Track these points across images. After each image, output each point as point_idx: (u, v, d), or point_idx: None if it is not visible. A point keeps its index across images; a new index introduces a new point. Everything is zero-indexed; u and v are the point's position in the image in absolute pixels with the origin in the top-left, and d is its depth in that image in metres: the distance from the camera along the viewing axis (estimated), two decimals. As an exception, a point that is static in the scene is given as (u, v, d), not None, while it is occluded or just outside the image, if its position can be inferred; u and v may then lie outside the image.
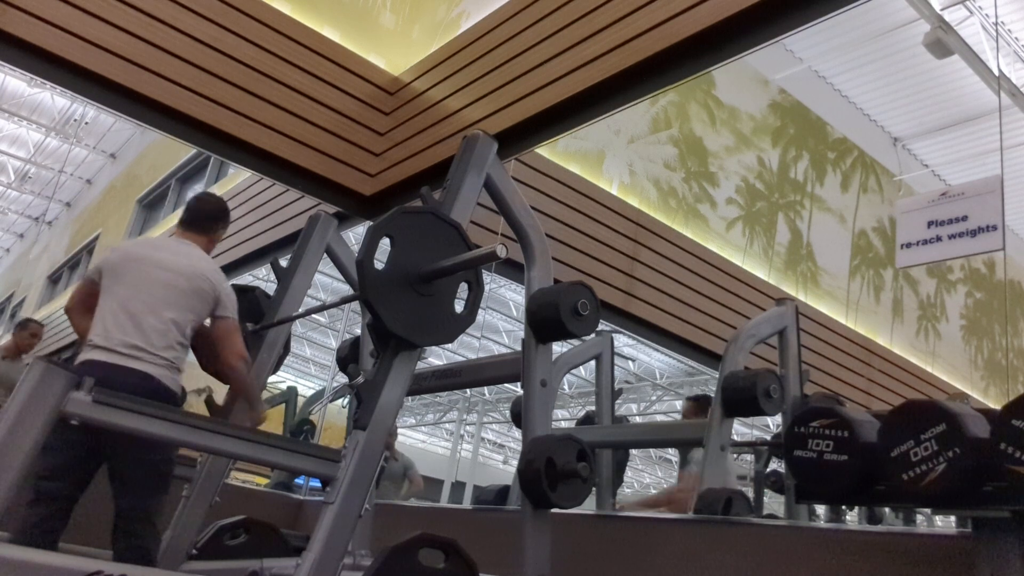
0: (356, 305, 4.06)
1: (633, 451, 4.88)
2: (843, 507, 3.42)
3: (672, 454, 8.94)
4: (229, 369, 2.62)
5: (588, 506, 2.92)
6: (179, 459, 2.62)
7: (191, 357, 2.69)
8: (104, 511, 2.41)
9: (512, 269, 3.36)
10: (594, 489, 3.11)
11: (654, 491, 13.36)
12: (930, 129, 6.75)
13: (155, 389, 2.36)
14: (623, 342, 6.91)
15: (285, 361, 3.07)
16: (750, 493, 3.57)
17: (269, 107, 4.05)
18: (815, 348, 5.69)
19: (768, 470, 3.62)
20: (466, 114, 3.90)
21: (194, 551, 2.54)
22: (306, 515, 3.98)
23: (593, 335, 3.69)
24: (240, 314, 2.75)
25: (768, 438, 3.85)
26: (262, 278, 6.48)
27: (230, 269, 6.36)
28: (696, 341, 5.39)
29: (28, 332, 5.67)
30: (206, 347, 2.67)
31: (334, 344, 8.54)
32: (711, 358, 5.29)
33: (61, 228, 14.89)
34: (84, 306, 2.59)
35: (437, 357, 6.00)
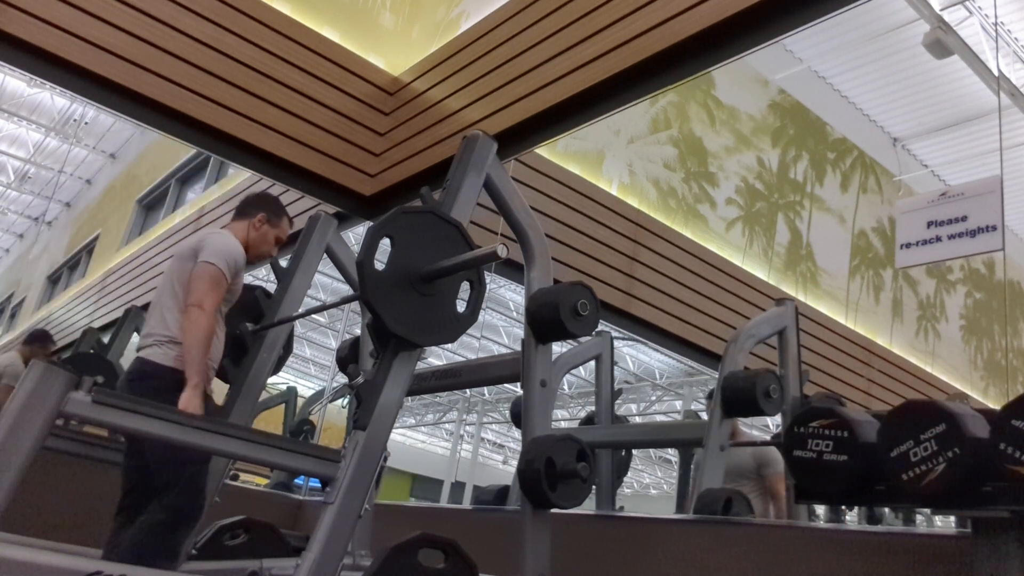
0: (356, 305, 4.06)
1: (633, 451, 4.89)
2: (843, 507, 3.42)
3: (672, 454, 8.93)
4: (182, 315, 2.43)
5: (588, 506, 2.92)
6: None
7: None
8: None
9: (512, 269, 3.36)
10: (594, 489, 3.11)
11: (654, 491, 13.35)
12: (930, 129, 6.74)
13: (147, 371, 2.41)
14: (625, 341, 6.91)
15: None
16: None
17: (269, 107, 4.05)
18: (815, 348, 5.68)
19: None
20: (466, 114, 3.90)
21: (194, 551, 2.54)
22: (306, 515, 3.98)
23: (593, 335, 3.69)
24: (240, 312, 2.75)
25: (768, 438, 3.84)
26: (262, 278, 6.48)
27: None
28: (696, 341, 5.38)
29: (44, 351, 5.70)
30: None
31: (334, 344, 8.53)
32: (711, 358, 5.28)
33: (61, 228, 14.87)
34: None
35: (437, 357, 6.00)
